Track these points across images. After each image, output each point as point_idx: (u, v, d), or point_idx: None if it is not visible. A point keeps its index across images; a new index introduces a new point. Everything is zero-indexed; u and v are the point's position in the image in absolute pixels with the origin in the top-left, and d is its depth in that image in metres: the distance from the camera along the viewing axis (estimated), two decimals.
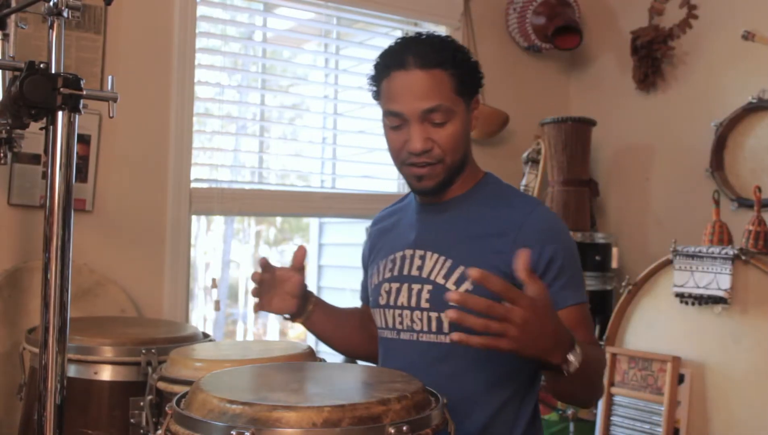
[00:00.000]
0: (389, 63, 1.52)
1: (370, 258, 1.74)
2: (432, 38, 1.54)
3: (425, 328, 1.52)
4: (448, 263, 1.51)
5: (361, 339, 1.77)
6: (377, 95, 1.59)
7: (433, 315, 1.51)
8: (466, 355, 1.47)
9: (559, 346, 1.24)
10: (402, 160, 1.53)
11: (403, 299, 1.56)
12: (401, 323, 1.56)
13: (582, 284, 1.53)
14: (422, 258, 1.55)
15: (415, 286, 1.54)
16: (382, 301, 1.60)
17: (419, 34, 1.55)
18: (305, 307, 1.64)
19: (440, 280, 1.51)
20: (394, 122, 1.51)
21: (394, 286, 1.58)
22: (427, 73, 1.48)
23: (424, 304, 1.52)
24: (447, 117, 1.49)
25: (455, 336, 1.16)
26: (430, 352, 1.51)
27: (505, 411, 1.49)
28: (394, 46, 1.54)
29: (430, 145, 1.49)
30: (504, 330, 1.16)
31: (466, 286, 1.47)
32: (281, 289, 1.57)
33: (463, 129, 1.53)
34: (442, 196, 1.58)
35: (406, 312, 1.55)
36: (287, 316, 1.63)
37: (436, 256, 1.53)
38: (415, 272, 1.55)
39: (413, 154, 1.49)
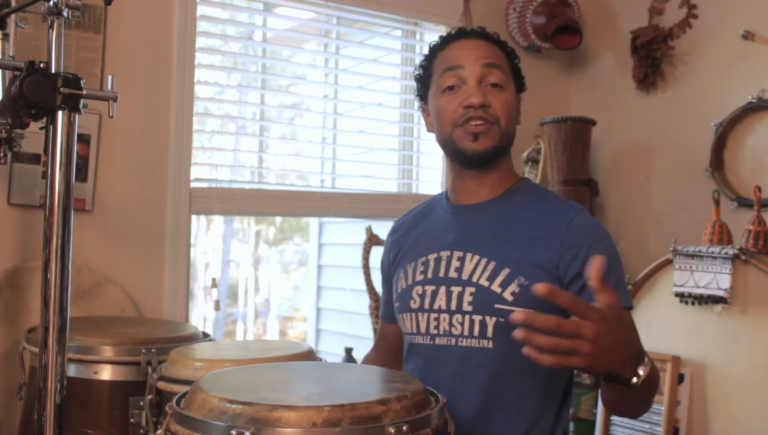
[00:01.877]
0: (448, 37, 1.55)
1: (393, 265, 1.67)
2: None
3: (466, 333, 1.45)
4: (492, 265, 1.45)
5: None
6: (425, 80, 1.58)
7: (477, 318, 1.44)
8: (509, 361, 1.42)
9: (630, 358, 1.16)
10: (455, 120, 1.49)
11: (440, 302, 1.49)
12: (437, 328, 1.49)
13: (627, 289, 1.49)
14: (461, 259, 1.49)
15: (455, 289, 1.47)
16: (414, 305, 1.53)
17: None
18: None
19: (484, 283, 1.45)
20: (450, 80, 1.50)
21: (429, 288, 1.51)
22: (488, 43, 1.53)
23: (466, 307, 1.45)
24: (504, 81, 1.50)
25: (526, 351, 1.06)
26: (470, 358, 1.45)
27: (543, 421, 1.44)
28: (451, 32, 1.58)
29: (488, 102, 1.47)
30: (575, 347, 1.07)
31: (513, 288, 1.42)
32: None
33: (515, 104, 1.54)
34: (480, 196, 1.54)
35: (444, 316, 1.48)
36: None
37: (477, 257, 1.47)
38: (453, 274, 1.49)
39: (471, 107, 1.46)
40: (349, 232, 3.40)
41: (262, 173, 2.86)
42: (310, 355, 1.57)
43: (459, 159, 1.53)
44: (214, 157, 2.65)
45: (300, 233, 6.47)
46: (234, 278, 6.31)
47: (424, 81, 1.59)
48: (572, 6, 3.15)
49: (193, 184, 2.51)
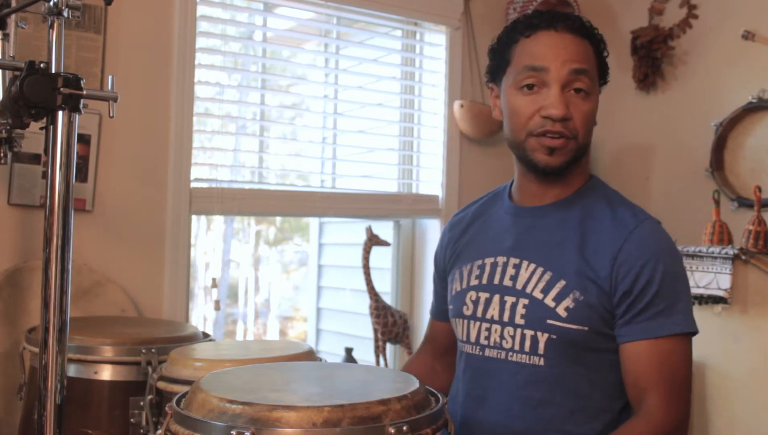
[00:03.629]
0: (535, 23, 1.38)
1: (449, 264, 1.58)
2: (576, 15, 1.44)
3: (517, 347, 1.37)
4: (548, 276, 1.37)
5: (442, 381, 1.62)
6: (501, 64, 1.43)
7: (528, 333, 1.36)
8: (561, 381, 1.36)
9: None
10: (531, 129, 1.37)
11: (493, 312, 1.41)
12: (487, 338, 1.42)
13: (684, 312, 1.35)
14: (517, 267, 1.40)
15: (509, 299, 1.39)
16: (467, 312, 1.46)
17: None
18: None
19: (538, 295, 1.37)
20: (530, 79, 1.36)
21: (483, 296, 1.43)
22: (579, 39, 1.38)
23: (518, 320, 1.37)
24: (590, 87, 1.37)
25: None
26: (519, 374, 1.37)
27: None
28: (536, 12, 1.42)
29: (570, 114, 1.35)
30: None
31: (567, 303, 1.34)
32: None
33: (596, 110, 1.41)
34: (545, 199, 1.44)
35: (496, 327, 1.40)
36: None
37: (533, 266, 1.39)
38: (508, 283, 1.41)
39: (551, 119, 1.34)
40: (349, 232, 3.40)
41: (262, 173, 2.86)
42: (310, 355, 1.57)
43: (528, 167, 1.43)
44: (214, 157, 2.65)
45: (300, 233, 6.47)
46: (234, 278, 6.31)
47: (499, 63, 1.44)
48: (572, 6, 3.14)
49: (193, 184, 2.51)
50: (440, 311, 1.65)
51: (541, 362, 1.36)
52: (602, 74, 1.45)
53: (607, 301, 1.35)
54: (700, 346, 2.43)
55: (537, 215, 1.45)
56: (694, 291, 2.41)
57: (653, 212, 3.05)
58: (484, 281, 1.45)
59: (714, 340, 2.40)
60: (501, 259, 1.44)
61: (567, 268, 1.36)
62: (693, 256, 2.43)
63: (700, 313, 2.42)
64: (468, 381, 1.46)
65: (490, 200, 1.59)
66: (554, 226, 1.42)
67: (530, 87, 1.37)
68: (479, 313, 1.44)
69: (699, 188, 2.88)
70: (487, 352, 1.42)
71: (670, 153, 3.05)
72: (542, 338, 1.36)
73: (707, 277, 2.38)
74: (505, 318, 1.39)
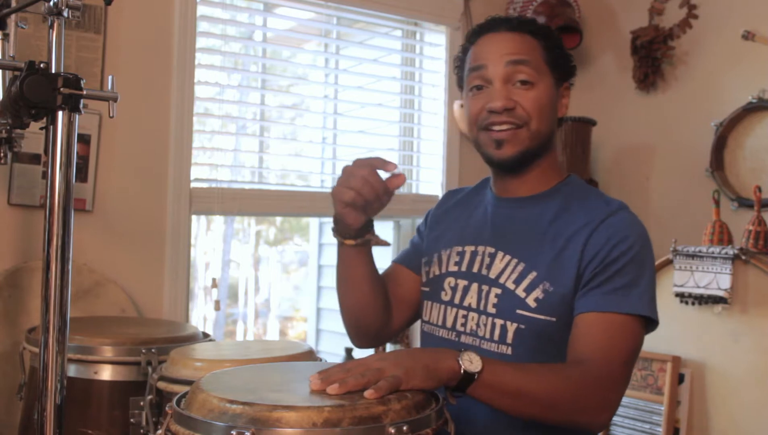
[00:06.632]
0: (479, 30, 1.49)
1: (431, 236, 1.60)
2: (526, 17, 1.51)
3: (488, 335, 1.40)
4: (520, 267, 1.40)
5: (375, 305, 1.54)
6: (461, 73, 1.51)
7: (498, 322, 1.39)
8: None
9: (439, 354, 1.17)
10: (480, 124, 1.43)
11: (471, 300, 1.44)
12: (464, 326, 1.44)
13: (640, 296, 1.33)
14: (492, 256, 1.44)
15: (485, 287, 1.43)
16: (445, 297, 1.48)
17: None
18: (364, 233, 1.45)
19: (510, 285, 1.40)
20: (476, 81, 1.43)
21: (462, 283, 1.46)
22: (517, 34, 1.43)
23: (490, 309, 1.40)
24: (534, 77, 1.40)
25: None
26: None
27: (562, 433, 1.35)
28: (485, 21, 1.52)
29: (513, 104, 1.39)
30: (365, 368, 1.11)
31: (537, 294, 1.36)
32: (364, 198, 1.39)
33: (549, 100, 1.43)
34: (520, 191, 1.47)
35: (473, 314, 1.43)
36: (337, 228, 1.49)
37: (508, 257, 1.42)
38: (484, 271, 1.44)
39: (494, 112, 1.39)
40: None
41: (263, 173, 2.86)
42: (310, 355, 1.57)
43: (488, 163, 1.49)
44: (215, 157, 2.65)
45: (300, 233, 6.47)
46: (234, 278, 6.31)
47: (460, 73, 1.53)
48: (572, 6, 3.15)
49: (193, 184, 2.51)
50: (411, 260, 1.62)
51: (509, 351, 1.38)
52: (557, 67, 1.45)
53: (579, 285, 1.36)
54: (700, 346, 2.44)
55: (513, 208, 1.48)
56: (694, 291, 2.41)
57: (653, 212, 3.07)
58: (464, 268, 1.47)
59: (714, 340, 2.40)
60: (480, 248, 1.47)
61: (539, 260, 1.38)
62: (693, 256, 2.43)
63: (700, 313, 2.43)
64: None
65: (478, 189, 1.62)
66: (532, 218, 1.45)
67: (479, 88, 1.44)
68: (457, 300, 1.46)
69: (699, 188, 2.88)
70: (463, 338, 1.44)
71: (670, 153, 3.05)
72: (511, 328, 1.38)
73: (707, 277, 2.38)
74: (481, 306, 1.42)
